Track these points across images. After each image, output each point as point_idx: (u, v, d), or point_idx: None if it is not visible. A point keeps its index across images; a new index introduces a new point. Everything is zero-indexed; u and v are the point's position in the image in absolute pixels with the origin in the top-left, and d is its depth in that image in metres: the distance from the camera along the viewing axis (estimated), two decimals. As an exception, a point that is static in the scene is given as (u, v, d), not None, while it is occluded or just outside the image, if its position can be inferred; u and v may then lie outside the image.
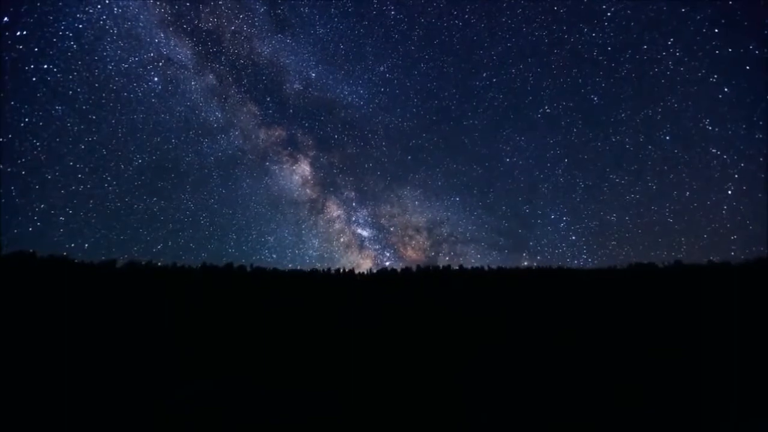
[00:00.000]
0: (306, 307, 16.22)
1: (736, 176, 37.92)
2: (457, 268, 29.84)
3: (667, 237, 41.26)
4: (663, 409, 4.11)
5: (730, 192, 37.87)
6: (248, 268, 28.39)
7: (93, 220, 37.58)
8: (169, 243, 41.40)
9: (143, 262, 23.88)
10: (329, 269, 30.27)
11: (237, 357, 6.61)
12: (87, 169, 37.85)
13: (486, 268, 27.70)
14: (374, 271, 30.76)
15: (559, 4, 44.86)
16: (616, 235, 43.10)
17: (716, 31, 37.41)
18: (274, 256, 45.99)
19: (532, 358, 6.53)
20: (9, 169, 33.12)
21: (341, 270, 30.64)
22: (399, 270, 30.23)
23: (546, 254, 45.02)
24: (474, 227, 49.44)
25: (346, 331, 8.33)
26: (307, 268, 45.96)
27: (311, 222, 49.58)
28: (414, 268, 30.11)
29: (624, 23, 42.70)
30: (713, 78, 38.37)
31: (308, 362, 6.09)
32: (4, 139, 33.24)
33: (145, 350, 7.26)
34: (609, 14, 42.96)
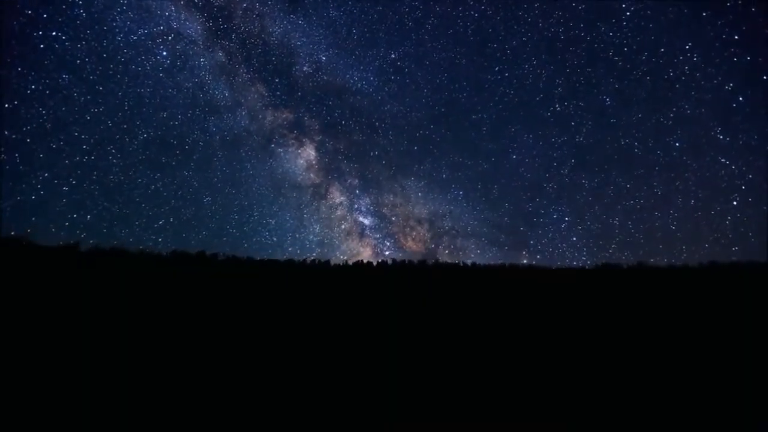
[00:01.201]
0: (282, 299, 15.92)
1: (743, 187, 37.14)
2: (432, 262, 30.13)
3: (668, 244, 41.29)
4: (661, 410, 4.23)
5: (735, 203, 37.73)
6: (220, 256, 27.60)
7: (96, 192, 36.19)
8: (171, 219, 40.07)
9: (108, 247, 22.70)
10: (305, 260, 29.86)
11: (216, 352, 6.35)
12: (92, 141, 36.39)
13: (461, 263, 28.06)
14: (350, 263, 30.60)
15: (578, 0, 43.91)
16: (618, 239, 42.98)
17: (736, 37, 36.92)
18: (275, 238, 44.99)
19: (504, 357, 6.60)
20: (14, 136, 31.34)
21: (316, 261, 30.28)
22: (375, 264, 30.17)
23: (546, 253, 44.80)
24: (476, 222, 49.18)
25: (329, 326, 8.24)
26: (307, 252, 45.79)
27: (313, 207, 48.66)
28: (390, 261, 30.17)
29: (643, 24, 41.55)
30: (729, 86, 37.88)
31: (292, 359, 5.94)
32: (10, 106, 31.32)
33: (108, 345, 6.87)
34: (628, 14, 41.89)
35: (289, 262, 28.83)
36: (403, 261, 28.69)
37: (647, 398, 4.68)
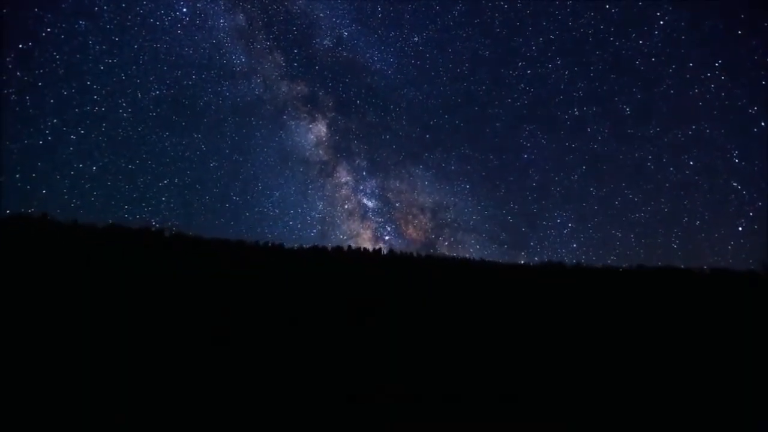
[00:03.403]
0: (232, 284, 14.07)
1: (751, 214, 36.28)
2: (399, 255, 27.26)
3: (666, 261, 41.33)
4: (662, 410, 4.27)
5: (740, 228, 36.06)
6: (167, 234, 26.32)
7: (104, 144, 37.58)
8: (176, 180, 41.41)
9: (36, 216, 21.88)
10: (257, 242, 28.02)
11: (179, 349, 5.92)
12: (104, 92, 37.55)
13: (415, 254, 24.98)
14: (308, 247, 28.29)
15: (612, 3, 40.33)
16: (617, 251, 42.20)
17: (768, 59, 33.94)
18: (276, 210, 45.66)
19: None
20: (26, 78, 32.61)
21: (269, 244, 28.31)
22: (329, 248, 27.61)
23: (545, 256, 44.44)
24: (479, 217, 48.01)
25: (294, 316, 7.95)
26: (307, 228, 45.95)
27: (318, 184, 49.06)
28: (345, 248, 27.47)
29: (675, 35, 38.95)
30: (753, 109, 36.15)
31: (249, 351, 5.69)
32: (24, 46, 32.44)
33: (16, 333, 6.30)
34: (662, 23, 38.88)
35: (241, 243, 27.07)
36: (358, 248, 25.81)
37: (648, 398, 4.86)
